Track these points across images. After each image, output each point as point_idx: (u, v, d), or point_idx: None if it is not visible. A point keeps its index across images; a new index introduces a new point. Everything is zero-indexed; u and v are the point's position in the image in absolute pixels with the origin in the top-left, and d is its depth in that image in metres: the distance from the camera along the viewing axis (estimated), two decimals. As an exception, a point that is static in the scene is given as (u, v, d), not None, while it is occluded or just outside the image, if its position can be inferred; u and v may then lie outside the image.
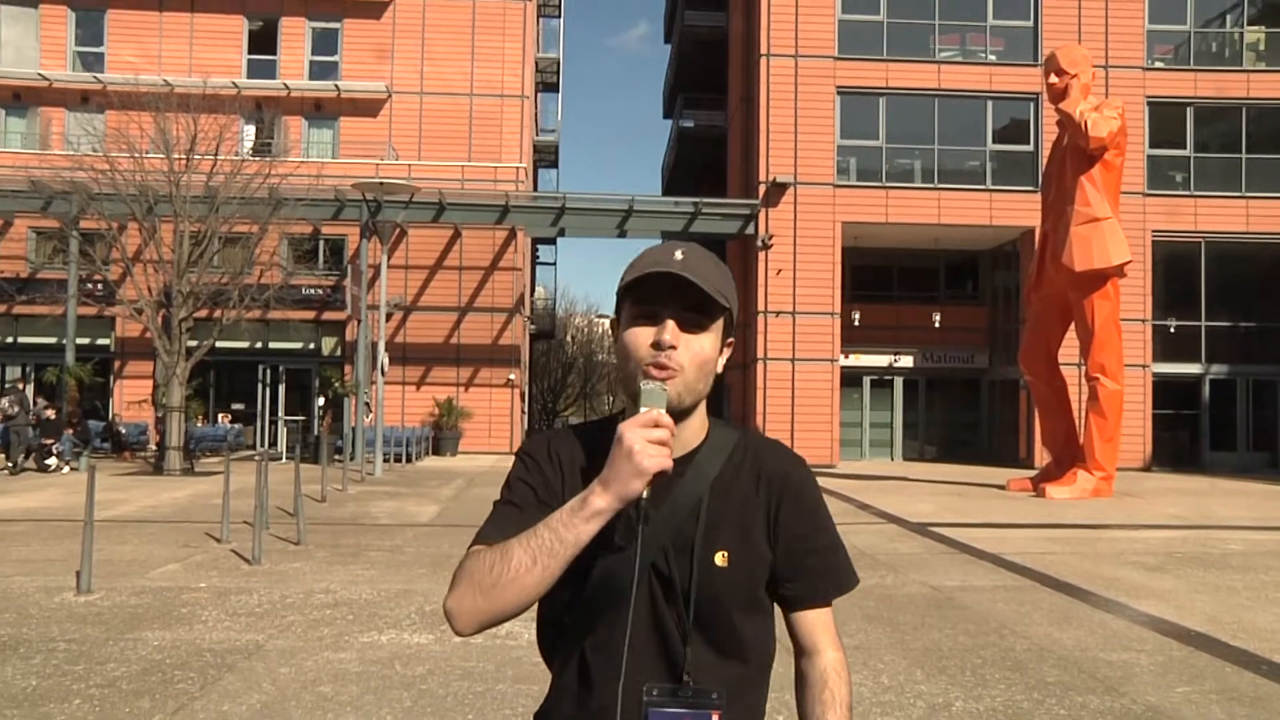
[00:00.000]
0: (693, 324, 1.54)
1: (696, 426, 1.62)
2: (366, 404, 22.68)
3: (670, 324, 1.52)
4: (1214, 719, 5.32)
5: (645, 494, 1.44)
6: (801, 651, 1.65)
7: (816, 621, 1.64)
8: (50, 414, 21.13)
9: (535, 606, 1.56)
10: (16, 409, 20.31)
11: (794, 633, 1.65)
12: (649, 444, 1.41)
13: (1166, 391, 26.61)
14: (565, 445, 1.65)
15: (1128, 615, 7.95)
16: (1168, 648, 6.94)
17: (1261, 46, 28.04)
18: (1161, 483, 21.81)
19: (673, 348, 1.52)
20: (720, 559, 1.55)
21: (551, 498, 1.58)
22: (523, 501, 1.59)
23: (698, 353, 1.54)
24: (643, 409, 1.47)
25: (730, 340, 1.62)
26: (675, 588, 1.54)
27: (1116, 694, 5.73)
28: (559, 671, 1.63)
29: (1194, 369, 26.93)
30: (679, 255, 1.54)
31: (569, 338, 64.39)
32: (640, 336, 1.54)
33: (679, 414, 1.53)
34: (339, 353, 28.64)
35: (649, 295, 1.54)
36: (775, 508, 1.61)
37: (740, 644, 1.57)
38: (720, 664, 1.55)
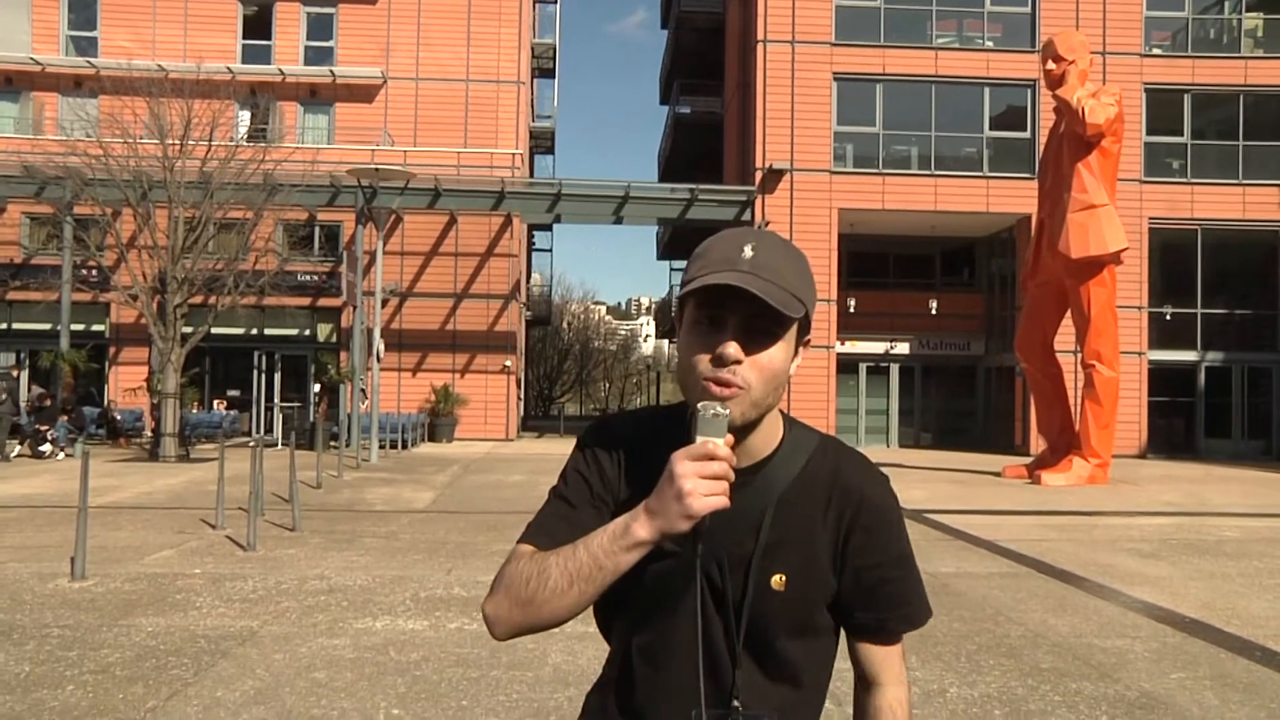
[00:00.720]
0: (762, 333, 1.37)
1: (767, 433, 1.47)
2: (362, 390, 22.65)
3: (733, 344, 1.36)
4: (1208, 705, 5.33)
5: (700, 536, 1.35)
6: (863, 682, 1.56)
7: (882, 655, 1.54)
8: (48, 402, 21.09)
9: None
10: (4, 396, 20.22)
11: (857, 661, 1.55)
12: (701, 480, 1.29)
13: (1162, 379, 26.64)
14: (627, 437, 1.53)
15: (1122, 602, 7.96)
16: (1162, 634, 6.95)
17: (1259, 33, 27.99)
18: (1156, 470, 21.86)
19: (737, 363, 1.36)
20: (777, 582, 1.44)
21: (607, 492, 1.50)
22: (576, 498, 1.50)
23: (766, 366, 1.38)
24: (699, 437, 1.32)
25: (808, 338, 1.48)
26: (727, 602, 1.44)
27: (1111, 680, 5.74)
28: (611, 661, 1.57)
29: (1190, 356, 26.97)
30: (748, 252, 1.36)
31: (565, 324, 64.37)
32: (701, 345, 1.38)
33: (744, 429, 1.40)
34: (334, 339, 28.59)
35: (712, 299, 1.37)
36: (846, 533, 1.48)
37: (793, 667, 1.48)
38: (770, 686, 1.47)
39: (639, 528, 1.33)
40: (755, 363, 1.37)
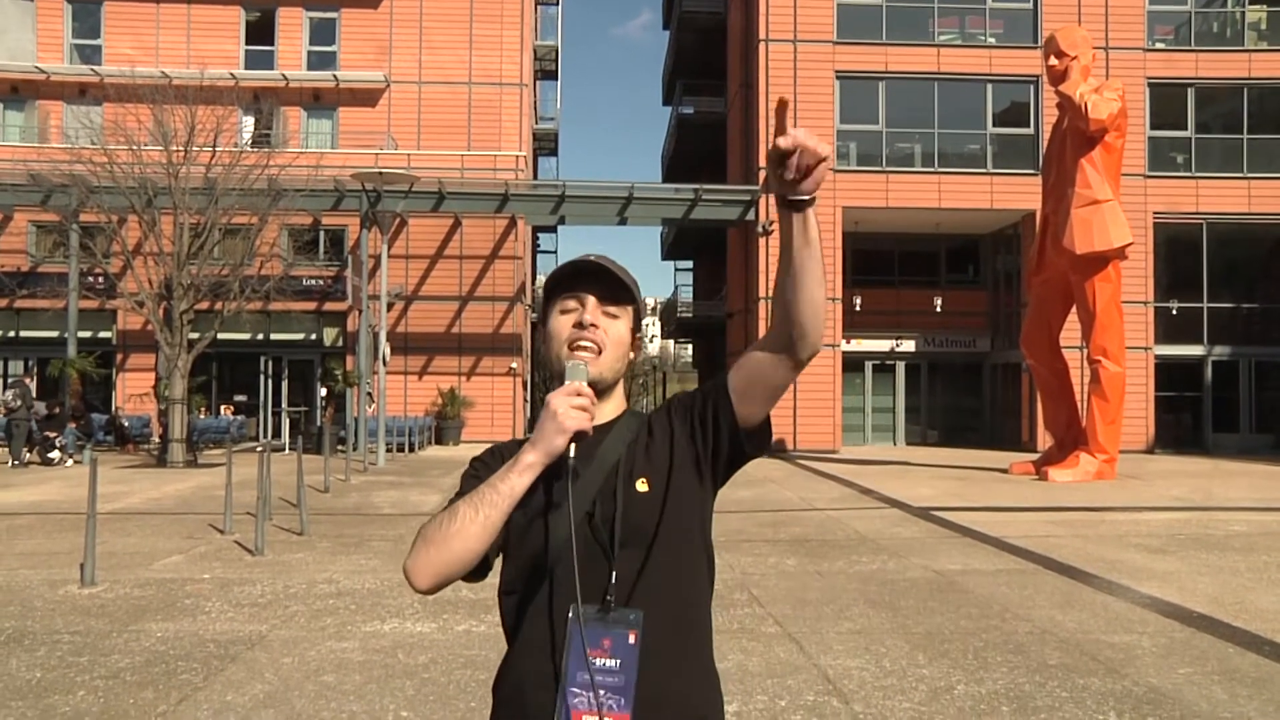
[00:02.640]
0: (608, 313, 1.80)
1: (615, 405, 1.84)
2: (369, 394, 22.68)
3: (590, 300, 1.79)
4: (1216, 700, 5.33)
5: (572, 453, 1.66)
6: (758, 356, 1.74)
7: (737, 367, 1.77)
8: (56, 410, 21.15)
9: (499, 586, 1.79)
10: (19, 403, 20.34)
11: (748, 375, 1.74)
12: (571, 408, 1.66)
13: (1169, 374, 26.58)
14: (510, 449, 1.82)
15: (1130, 597, 7.96)
16: (1170, 629, 6.95)
17: (1263, 26, 27.92)
18: (1164, 465, 21.81)
19: (594, 326, 1.77)
20: (641, 484, 1.73)
21: None
22: (468, 488, 1.77)
23: (614, 333, 1.80)
24: (568, 382, 1.72)
25: (639, 335, 1.86)
26: (604, 520, 1.70)
27: (1118, 676, 5.74)
28: (513, 633, 1.77)
29: (1196, 351, 26.90)
30: (592, 258, 1.80)
31: (571, 326, 64.25)
32: (564, 321, 1.79)
33: (599, 391, 1.76)
34: (340, 343, 28.63)
35: (571, 286, 1.80)
36: (673, 424, 1.80)
37: (667, 567, 1.71)
38: (648, 591, 1.69)
39: (526, 454, 1.67)
40: (606, 329, 1.79)
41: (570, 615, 1.64)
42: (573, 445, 1.67)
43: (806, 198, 1.59)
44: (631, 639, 1.64)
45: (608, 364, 1.79)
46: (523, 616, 1.74)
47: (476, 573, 1.76)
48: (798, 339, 1.67)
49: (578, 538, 1.66)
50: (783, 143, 1.53)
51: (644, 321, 1.96)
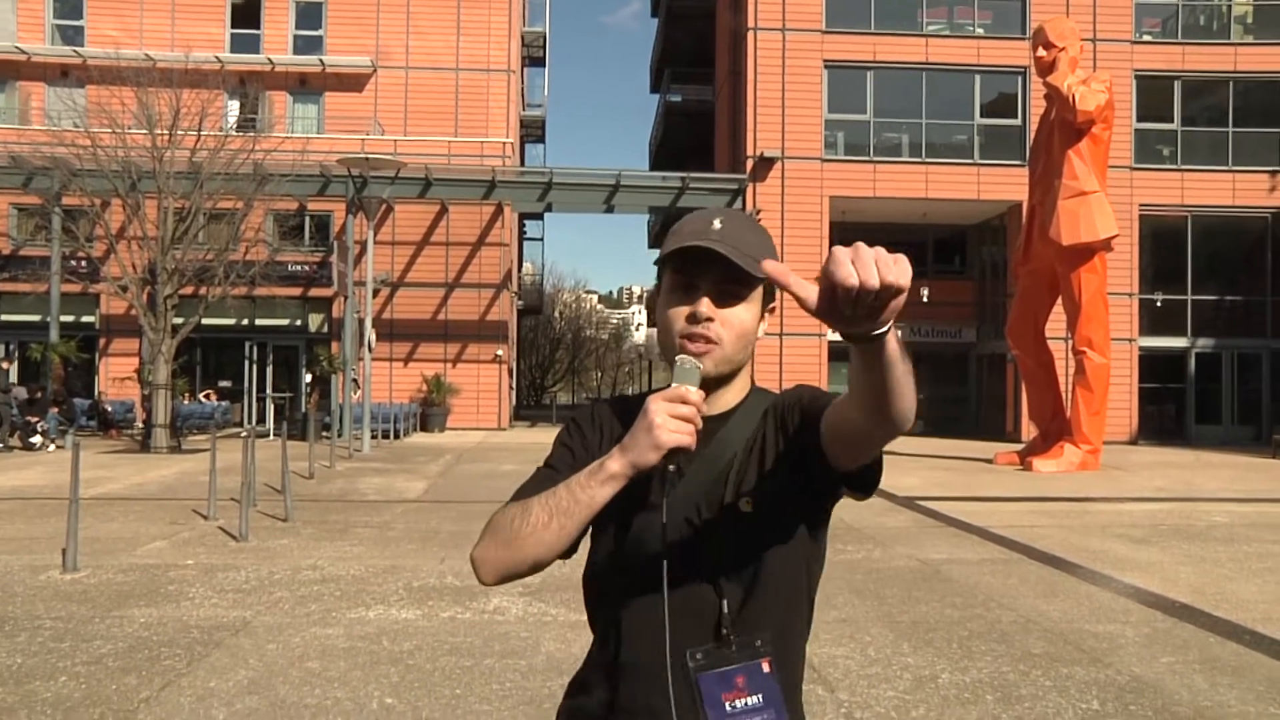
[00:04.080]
0: (730, 295, 1.55)
1: (736, 390, 1.63)
2: (354, 380, 22.60)
3: (705, 300, 1.54)
4: (1197, 688, 5.36)
5: (671, 467, 1.47)
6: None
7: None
8: (38, 395, 21.00)
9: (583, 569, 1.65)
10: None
11: (839, 417, 1.48)
12: (671, 419, 1.42)
13: (1153, 365, 26.73)
14: (610, 413, 1.68)
15: (1113, 587, 8.00)
16: (1152, 619, 6.99)
17: (1249, 19, 28.03)
18: (1147, 456, 21.94)
19: (709, 320, 1.54)
20: (745, 504, 1.55)
21: (589, 459, 1.57)
22: (560, 464, 1.63)
23: (735, 324, 1.56)
24: (675, 384, 1.47)
25: (772, 306, 1.64)
26: (706, 540, 1.54)
27: (1102, 665, 5.77)
28: (600, 634, 1.63)
29: (1180, 343, 27.05)
30: (717, 225, 1.53)
31: (557, 313, 64.30)
32: (678, 309, 1.56)
33: (716, 382, 1.57)
34: (326, 329, 28.52)
35: (686, 266, 1.54)
36: (782, 422, 1.59)
37: (777, 587, 1.56)
38: (761, 611, 1.54)
39: (612, 462, 1.46)
40: (725, 320, 1.54)
41: (689, 662, 1.48)
42: (672, 463, 1.47)
43: (882, 330, 1.25)
44: (766, 667, 1.51)
45: (727, 356, 1.56)
46: (609, 619, 1.60)
47: (564, 556, 1.59)
48: (881, 439, 1.44)
49: (674, 550, 1.50)
50: (844, 277, 1.19)
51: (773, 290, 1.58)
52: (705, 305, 1.53)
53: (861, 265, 1.18)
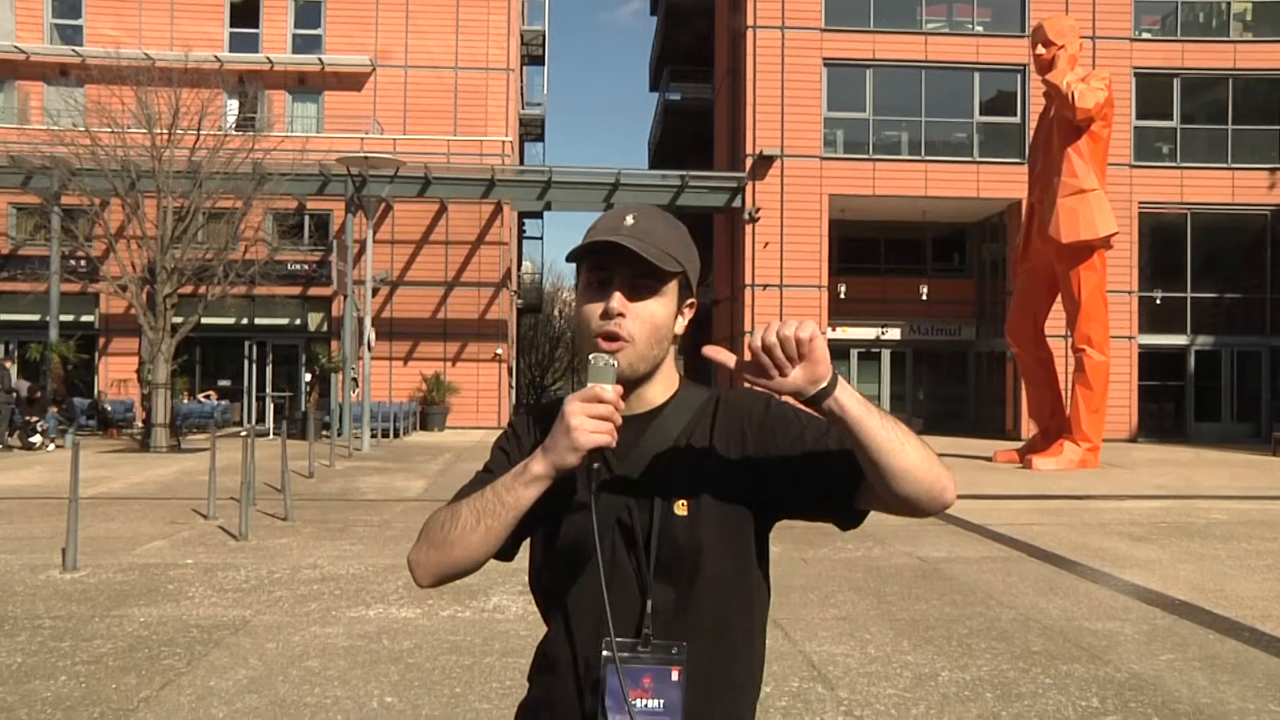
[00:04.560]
0: (644, 289, 1.54)
1: (661, 386, 1.62)
2: (353, 379, 22.60)
3: (617, 295, 1.53)
4: (1197, 686, 5.36)
5: (595, 465, 1.47)
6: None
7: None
8: (37, 394, 21.01)
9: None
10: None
11: (871, 496, 1.50)
12: (588, 419, 1.42)
13: (1152, 363, 26.73)
14: (541, 415, 1.67)
15: (1113, 585, 8.00)
16: (1152, 616, 6.99)
17: (1249, 17, 28.01)
18: (1147, 453, 21.95)
19: (621, 316, 1.52)
20: (680, 508, 1.54)
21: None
22: (496, 467, 1.64)
23: (648, 319, 1.54)
24: (590, 384, 1.46)
25: (691, 301, 1.62)
26: (637, 539, 1.54)
27: (1101, 662, 5.77)
28: (547, 632, 1.65)
29: (1180, 340, 27.05)
30: (629, 221, 1.54)
31: (556, 312, 64.23)
32: (592, 306, 1.55)
33: (636, 381, 1.57)
34: (325, 328, 28.52)
35: (600, 262, 1.54)
36: (742, 441, 1.57)
37: (713, 591, 1.54)
38: (686, 619, 1.53)
39: (535, 464, 1.47)
40: (637, 316, 1.53)
41: (604, 652, 1.49)
42: (594, 462, 1.47)
43: (821, 387, 1.36)
44: (675, 675, 1.49)
45: (640, 355, 1.54)
46: (551, 615, 1.63)
47: (501, 558, 1.63)
48: (912, 507, 1.46)
49: (605, 549, 1.50)
50: (754, 339, 1.35)
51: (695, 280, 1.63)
52: (617, 300, 1.52)
53: (768, 329, 1.35)
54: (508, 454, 1.66)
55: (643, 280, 1.53)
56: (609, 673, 1.48)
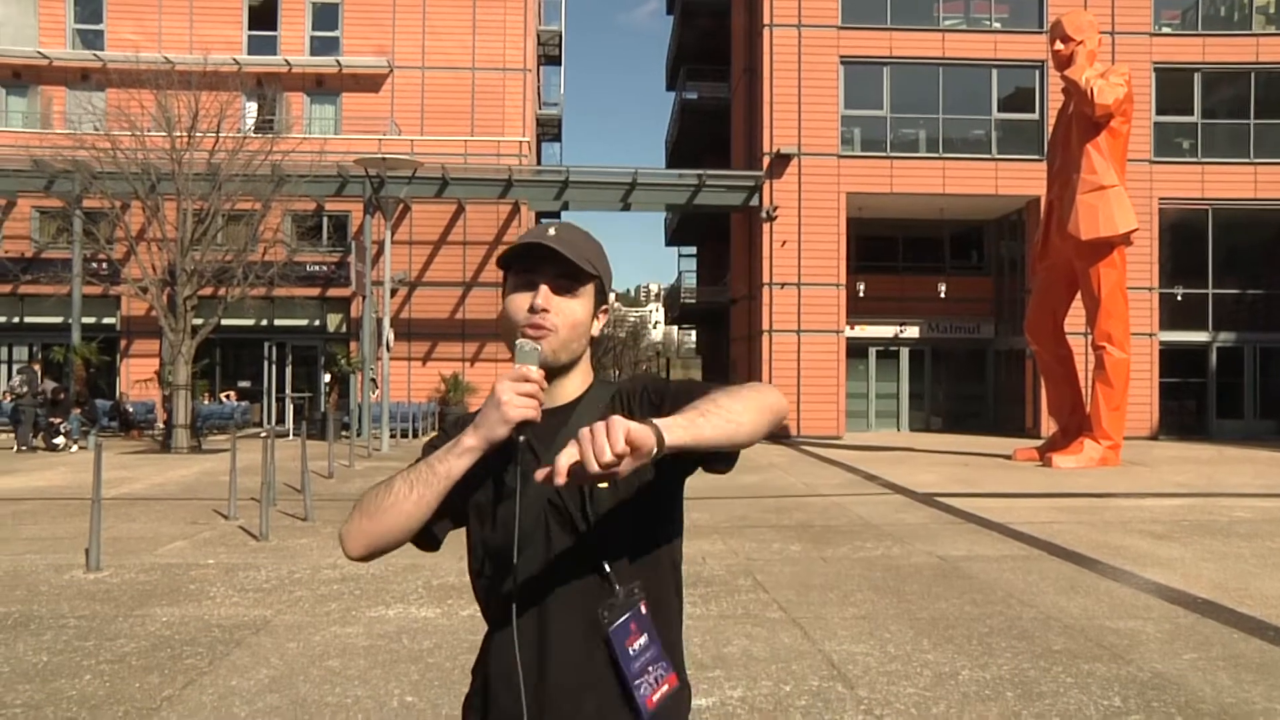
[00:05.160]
0: (565, 289, 1.73)
1: (579, 381, 1.80)
2: (372, 380, 22.69)
3: (543, 288, 1.71)
4: (1221, 685, 5.32)
5: (521, 438, 1.63)
6: None
7: None
8: (60, 396, 21.19)
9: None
10: (25, 389, 20.39)
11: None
12: (516, 395, 1.61)
13: (1173, 360, 26.53)
14: (469, 418, 1.77)
15: (1134, 583, 7.95)
16: (1174, 615, 6.94)
17: (1271, 9, 27.75)
18: (1168, 451, 21.79)
19: (545, 310, 1.70)
20: (602, 482, 1.64)
21: None
22: (425, 456, 1.76)
23: (569, 314, 1.73)
24: (516, 366, 1.65)
25: (605, 307, 1.82)
26: (572, 515, 1.68)
27: (1123, 661, 5.74)
28: (492, 621, 1.77)
29: (1201, 337, 26.84)
30: (552, 232, 1.74)
31: (574, 312, 64.36)
32: (518, 301, 1.73)
33: (557, 370, 1.74)
34: (344, 329, 28.63)
35: (526, 266, 1.74)
36: (630, 409, 1.74)
37: (640, 550, 1.72)
38: (629, 564, 1.69)
39: (466, 438, 1.64)
40: (560, 310, 1.72)
41: (606, 623, 1.64)
42: (521, 434, 1.64)
43: (656, 453, 1.46)
44: (644, 609, 1.68)
45: (561, 344, 1.72)
46: (490, 604, 1.76)
47: (425, 546, 1.78)
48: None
49: (541, 525, 1.68)
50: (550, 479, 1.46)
51: (609, 292, 1.87)
52: (542, 294, 1.70)
53: (581, 463, 1.42)
54: (435, 448, 1.76)
55: (563, 281, 1.73)
56: (612, 635, 1.64)
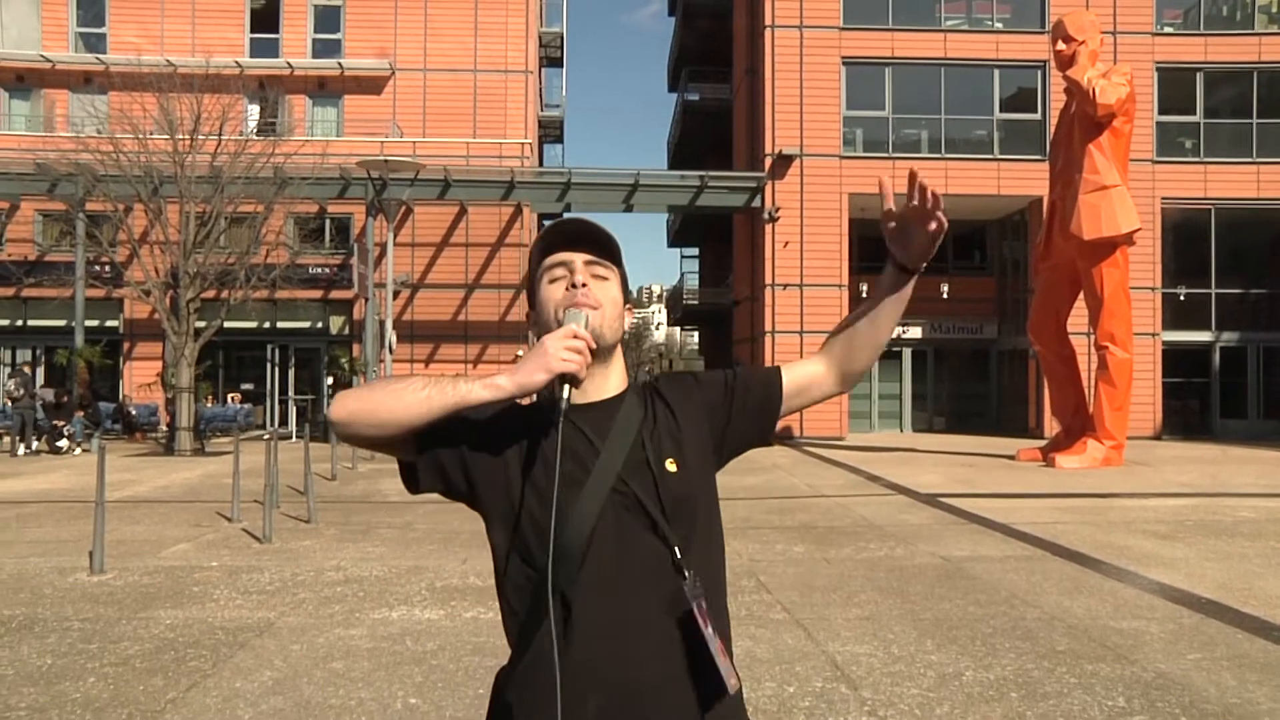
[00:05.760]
0: (599, 276, 1.74)
1: (620, 377, 1.79)
2: (375, 382, 22.65)
3: (580, 265, 1.72)
4: (1225, 685, 5.32)
5: (565, 399, 1.58)
6: (818, 370, 1.88)
7: (794, 372, 1.86)
8: (64, 399, 21.21)
9: (496, 578, 1.72)
10: (21, 391, 20.39)
11: (799, 388, 1.85)
12: (564, 349, 1.58)
13: (1176, 359, 26.50)
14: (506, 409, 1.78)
15: (1138, 583, 7.95)
16: (1178, 615, 6.93)
17: (1274, 9, 27.72)
18: (1172, 451, 21.77)
19: (585, 285, 1.70)
20: (670, 465, 1.69)
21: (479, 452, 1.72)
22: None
23: (608, 293, 1.74)
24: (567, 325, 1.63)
25: (630, 305, 1.83)
26: (641, 500, 1.65)
27: (1127, 662, 5.73)
28: (539, 622, 1.61)
29: (1204, 337, 26.81)
30: (583, 220, 1.77)
31: (576, 314, 64.41)
32: (554, 288, 1.73)
33: (600, 358, 1.71)
34: (347, 331, 28.66)
35: (555, 252, 1.74)
36: (696, 404, 1.78)
37: (706, 530, 1.72)
38: (697, 554, 1.67)
39: (502, 378, 1.61)
40: (600, 289, 1.72)
41: (682, 607, 1.61)
42: (567, 389, 1.59)
43: (921, 267, 1.79)
44: (703, 603, 1.65)
45: (607, 321, 1.72)
46: (539, 592, 1.61)
47: (405, 462, 1.72)
48: (849, 374, 1.85)
49: (606, 515, 1.63)
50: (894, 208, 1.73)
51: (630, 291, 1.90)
52: (580, 269, 1.71)
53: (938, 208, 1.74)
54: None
55: (596, 267, 1.74)
56: (697, 607, 1.61)
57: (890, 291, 1.81)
